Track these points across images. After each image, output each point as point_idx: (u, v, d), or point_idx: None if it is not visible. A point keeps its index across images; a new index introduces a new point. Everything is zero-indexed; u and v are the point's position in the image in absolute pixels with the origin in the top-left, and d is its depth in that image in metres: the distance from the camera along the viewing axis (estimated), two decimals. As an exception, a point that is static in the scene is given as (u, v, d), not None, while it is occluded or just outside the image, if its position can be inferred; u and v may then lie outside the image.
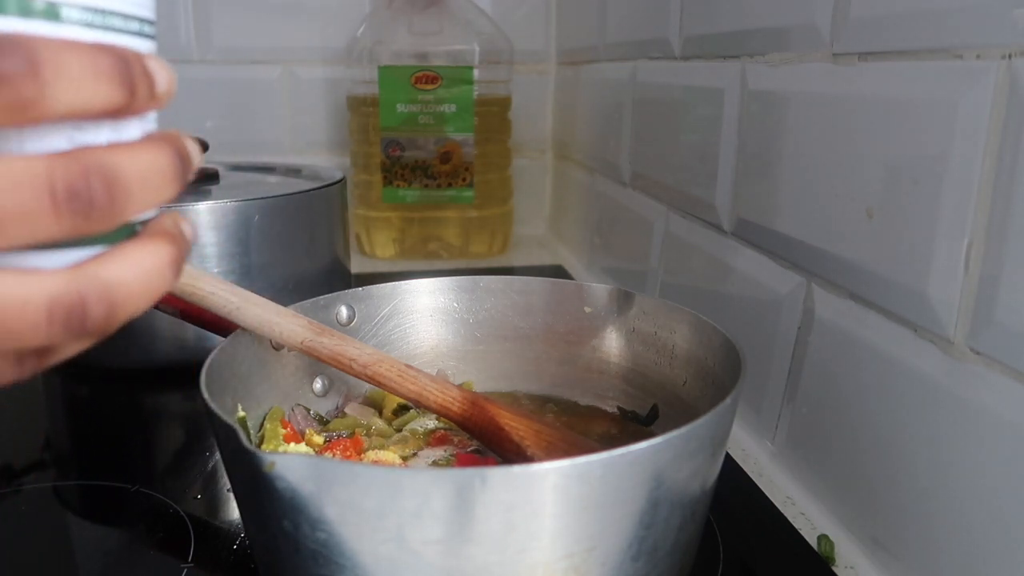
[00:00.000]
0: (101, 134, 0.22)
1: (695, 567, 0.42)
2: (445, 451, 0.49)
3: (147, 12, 0.24)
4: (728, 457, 0.49)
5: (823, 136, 0.49)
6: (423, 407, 0.46)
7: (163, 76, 0.23)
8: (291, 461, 0.32)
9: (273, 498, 0.33)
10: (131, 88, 0.21)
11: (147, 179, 0.22)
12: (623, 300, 0.54)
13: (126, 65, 0.21)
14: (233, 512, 0.50)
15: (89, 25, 0.22)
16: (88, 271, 0.21)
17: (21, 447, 0.60)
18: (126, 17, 0.23)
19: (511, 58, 1.08)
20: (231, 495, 0.51)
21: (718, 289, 0.65)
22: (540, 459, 0.42)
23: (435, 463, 0.48)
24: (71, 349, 0.23)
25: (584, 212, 1.06)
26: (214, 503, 0.52)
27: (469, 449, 0.49)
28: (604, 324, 0.54)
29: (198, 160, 0.25)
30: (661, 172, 0.78)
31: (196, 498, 0.52)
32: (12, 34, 0.19)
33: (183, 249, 0.24)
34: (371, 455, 0.47)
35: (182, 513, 0.49)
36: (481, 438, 0.47)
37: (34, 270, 0.20)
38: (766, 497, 0.52)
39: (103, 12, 0.22)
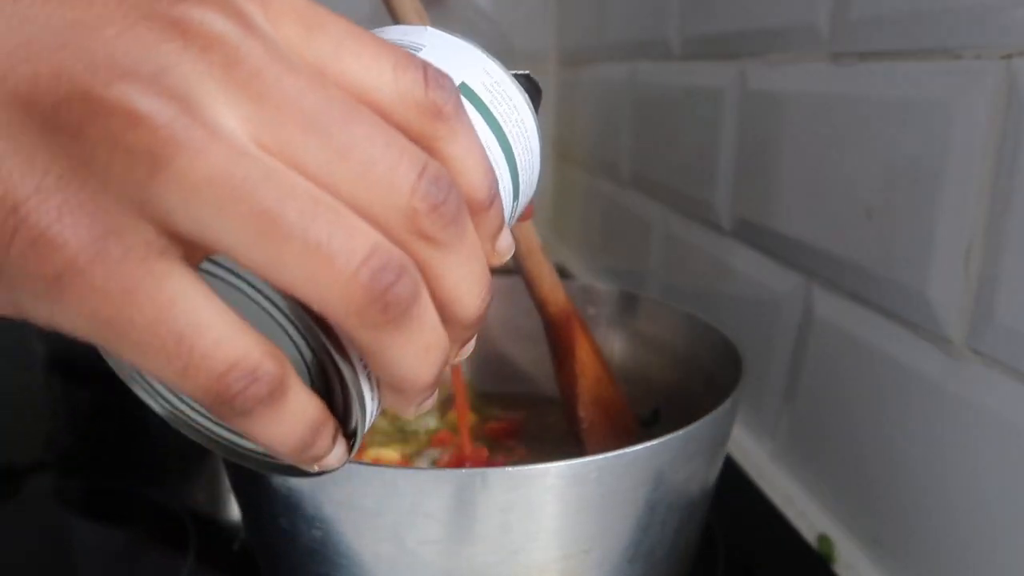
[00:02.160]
0: None
1: (695, 567, 0.42)
2: (445, 451, 0.49)
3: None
4: (728, 457, 0.49)
5: (823, 136, 0.49)
6: (528, 286, 0.48)
7: (508, 238, 0.23)
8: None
9: (269, 496, 0.34)
10: (490, 202, 0.21)
11: (477, 243, 0.20)
12: (626, 302, 0.54)
13: (498, 189, 0.22)
14: (234, 512, 0.50)
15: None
16: (406, 256, 0.18)
17: (21, 447, 0.60)
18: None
19: (511, 58, 1.08)
20: (232, 495, 0.51)
21: (718, 289, 0.65)
22: (584, 402, 0.44)
23: (436, 463, 0.48)
24: (284, 401, 0.19)
25: (584, 212, 1.06)
26: (215, 503, 0.52)
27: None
28: (607, 326, 0.54)
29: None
30: (661, 172, 0.78)
31: (197, 498, 0.52)
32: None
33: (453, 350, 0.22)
34: (372, 453, 0.47)
35: (182, 513, 0.49)
36: (552, 349, 0.49)
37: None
38: (766, 497, 0.52)
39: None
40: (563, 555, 0.33)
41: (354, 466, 0.32)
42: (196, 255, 0.18)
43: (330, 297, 0.17)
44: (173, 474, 0.57)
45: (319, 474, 0.22)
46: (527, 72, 0.28)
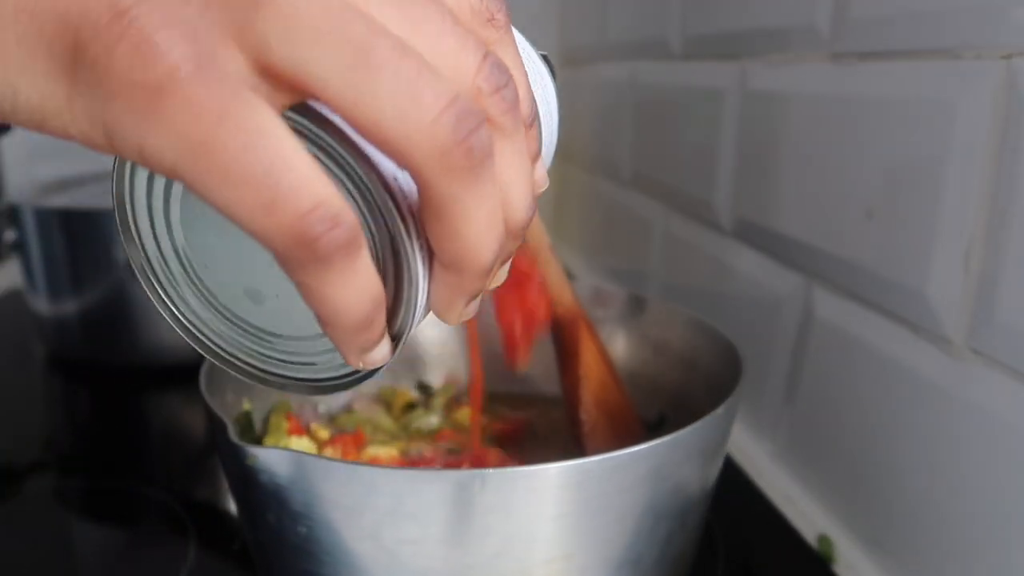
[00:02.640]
0: None
1: (694, 567, 0.42)
2: (451, 446, 0.49)
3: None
4: (728, 457, 0.48)
5: (823, 136, 0.49)
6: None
7: (542, 172, 0.24)
8: (271, 455, 0.32)
9: (257, 491, 0.34)
10: (532, 119, 0.22)
11: (525, 117, 0.21)
12: (635, 305, 0.54)
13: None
14: (233, 512, 0.50)
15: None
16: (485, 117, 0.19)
17: (21, 447, 0.60)
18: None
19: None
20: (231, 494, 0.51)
21: (718, 289, 0.65)
22: (586, 405, 0.45)
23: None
24: (354, 257, 0.18)
25: (585, 212, 1.06)
26: (215, 503, 0.52)
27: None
28: (615, 328, 0.54)
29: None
30: (661, 172, 0.78)
31: (197, 498, 0.52)
32: None
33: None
34: (370, 451, 0.47)
35: (182, 513, 0.50)
36: (557, 350, 0.49)
37: None
38: (766, 497, 0.52)
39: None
40: (545, 559, 0.33)
41: (335, 463, 0.32)
42: (278, 104, 0.18)
43: (417, 135, 0.17)
44: (173, 474, 0.57)
45: (353, 383, 0.22)
46: (545, 53, 0.28)
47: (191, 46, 0.16)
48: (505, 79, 0.19)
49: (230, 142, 0.16)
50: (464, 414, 0.53)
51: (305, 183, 0.17)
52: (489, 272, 0.21)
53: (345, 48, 0.17)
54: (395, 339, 0.21)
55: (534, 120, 0.22)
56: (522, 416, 0.54)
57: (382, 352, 0.21)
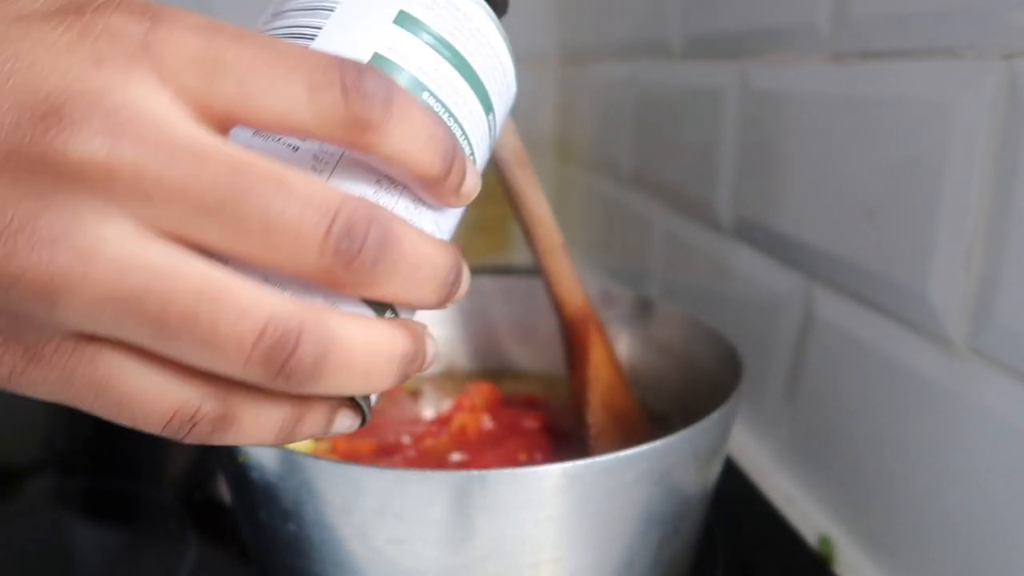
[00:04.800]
0: (397, 205, 0.22)
1: (694, 568, 0.42)
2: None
3: (481, 146, 0.26)
4: (728, 457, 0.48)
5: (823, 136, 0.49)
6: (546, 285, 0.48)
7: (473, 180, 0.23)
8: (261, 453, 0.32)
9: (249, 488, 0.34)
10: (447, 170, 0.21)
11: (416, 269, 0.20)
12: (642, 307, 0.53)
13: (454, 147, 0.21)
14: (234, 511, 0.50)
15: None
16: (317, 312, 0.19)
17: (21, 447, 0.60)
18: (463, 131, 0.24)
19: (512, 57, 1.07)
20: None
21: (718, 289, 0.65)
22: (594, 408, 0.45)
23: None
24: (236, 424, 0.20)
25: (585, 212, 1.06)
26: (214, 503, 0.52)
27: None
28: (620, 329, 0.54)
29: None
30: (662, 172, 0.78)
31: (197, 498, 0.52)
32: (378, 70, 0.20)
33: (418, 362, 0.22)
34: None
35: (182, 513, 0.49)
36: (566, 351, 0.49)
37: (263, 287, 0.18)
38: (766, 497, 0.52)
39: (448, 111, 0.23)
40: (532, 563, 0.33)
41: (324, 463, 0.32)
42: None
43: (229, 372, 0.19)
44: (173, 474, 0.57)
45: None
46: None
47: (18, 350, 0.19)
48: (358, 243, 0.18)
49: (84, 393, 0.20)
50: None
51: (164, 395, 0.20)
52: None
53: (142, 325, 0.18)
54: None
55: (450, 165, 0.21)
56: (535, 392, 0.54)
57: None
